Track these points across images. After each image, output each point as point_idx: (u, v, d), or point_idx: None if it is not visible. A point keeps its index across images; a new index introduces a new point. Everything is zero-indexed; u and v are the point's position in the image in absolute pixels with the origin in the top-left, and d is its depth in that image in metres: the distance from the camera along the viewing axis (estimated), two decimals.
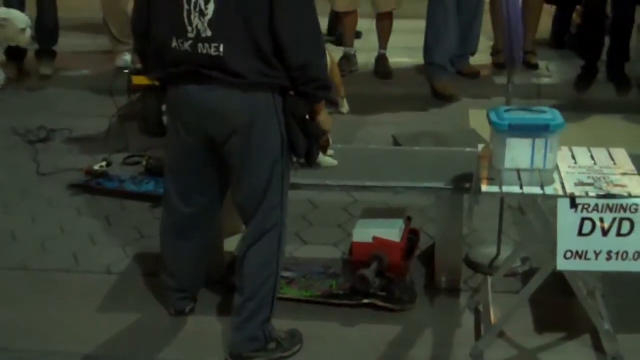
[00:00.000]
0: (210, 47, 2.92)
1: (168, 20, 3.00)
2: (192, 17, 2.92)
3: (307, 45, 2.97)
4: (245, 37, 2.90)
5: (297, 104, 3.03)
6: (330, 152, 3.56)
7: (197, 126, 3.09)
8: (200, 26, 2.91)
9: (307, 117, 3.13)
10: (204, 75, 2.96)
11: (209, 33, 2.91)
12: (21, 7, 6.20)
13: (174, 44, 2.98)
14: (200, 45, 2.93)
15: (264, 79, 2.95)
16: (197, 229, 3.35)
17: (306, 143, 3.11)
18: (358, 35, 6.85)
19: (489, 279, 3.41)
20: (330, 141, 3.47)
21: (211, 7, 2.89)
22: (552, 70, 6.55)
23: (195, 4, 2.91)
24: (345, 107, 5.68)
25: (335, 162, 3.62)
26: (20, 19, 5.53)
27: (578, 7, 6.90)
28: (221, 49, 2.91)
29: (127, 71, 5.43)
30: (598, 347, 3.18)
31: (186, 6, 2.92)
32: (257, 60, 2.93)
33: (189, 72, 2.99)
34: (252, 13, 2.89)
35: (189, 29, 2.93)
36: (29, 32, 5.50)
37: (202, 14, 2.91)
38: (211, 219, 3.40)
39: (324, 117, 3.19)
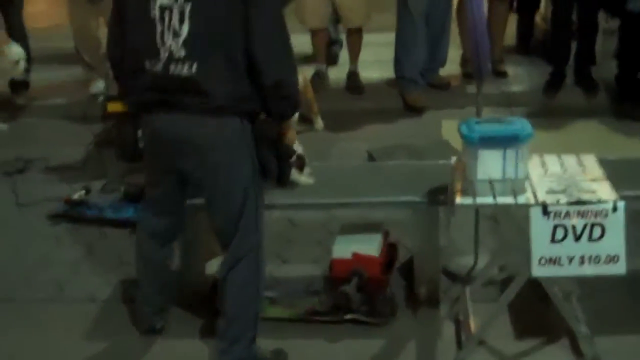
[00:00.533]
0: (182, 67, 2.96)
1: (142, 43, 3.03)
2: (165, 37, 2.96)
3: (280, 63, 3.03)
4: (219, 57, 2.95)
5: (266, 127, 3.09)
6: (306, 170, 3.62)
7: (166, 154, 3.14)
8: (173, 47, 2.95)
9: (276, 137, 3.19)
10: (172, 102, 3.01)
11: (182, 53, 2.95)
12: None
13: (147, 66, 3.02)
14: (172, 66, 2.97)
15: (235, 104, 3.00)
16: (165, 244, 3.43)
17: (277, 165, 3.16)
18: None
19: (468, 289, 3.47)
20: (307, 160, 3.55)
21: (185, 27, 2.94)
22: (521, 77, 6.64)
23: (169, 24, 2.95)
24: (319, 124, 5.75)
25: (311, 181, 3.66)
26: (14, 52, 5.62)
27: (540, 12, 7.03)
28: (194, 68, 2.95)
29: (101, 98, 5.47)
30: (576, 349, 3.25)
31: (159, 27, 2.96)
32: (230, 82, 2.98)
33: (159, 100, 3.04)
34: (226, 33, 2.94)
35: (162, 49, 2.97)
36: (22, 65, 5.59)
37: (175, 34, 2.95)
38: (177, 234, 3.48)
39: (292, 135, 3.28)
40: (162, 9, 2.97)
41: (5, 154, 5.51)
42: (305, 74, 5.54)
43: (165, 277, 3.52)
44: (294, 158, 3.49)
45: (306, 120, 5.64)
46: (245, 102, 3.02)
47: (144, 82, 3.06)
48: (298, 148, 3.62)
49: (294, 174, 3.58)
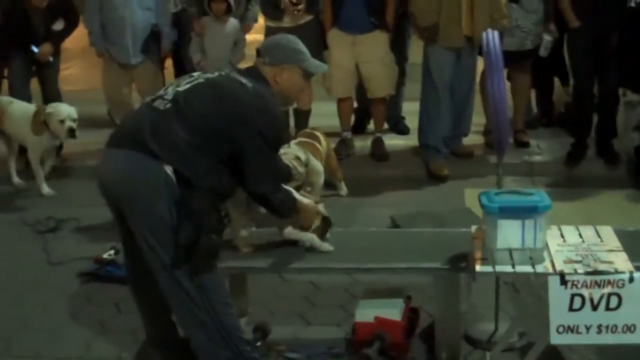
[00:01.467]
0: (162, 103, 3.25)
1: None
2: (170, 87, 3.36)
3: (265, 182, 3.31)
4: (198, 121, 3.20)
5: (191, 197, 3.15)
6: (327, 236, 3.74)
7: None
8: (170, 91, 3.30)
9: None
10: (123, 140, 3.25)
11: (170, 97, 3.26)
12: (29, 101, 6.47)
13: (142, 102, 3.42)
14: (158, 100, 3.28)
15: (176, 156, 3.15)
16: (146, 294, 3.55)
17: (192, 235, 3.13)
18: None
19: (488, 354, 3.52)
20: (331, 225, 3.66)
21: (187, 86, 3.30)
22: (543, 148, 6.75)
23: (180, 80, 3.38)
24: (343, 190, 5.87)
25: (331, 248, 3.74)
26: (62, 111, 5.81)
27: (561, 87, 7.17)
28: (168, 106, 3.23)
29: None
30: None
31: (174, 81, 3.43)
32: (192, 137, 3.16)
33: (118, 135, 3.33)
34: (217, 124, 3.22)
35: (162, 92, 3.33)
36: (67, 124, 5.79)
37: (177, 86, 3.32)
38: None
39: (306, 214, 3.53)
40: (188, 76, 3.44)
41: (37, 213, 5.67)
42: (329, 141, 5.67)
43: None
44: (316, 224, 3.65)
45: (330, 186, 5.75)
46: (186, 163, 3.15)
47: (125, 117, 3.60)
48: (324, 211, 3.74)
49: (315, 240, 3.69)
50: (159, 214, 3.13)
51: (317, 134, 5.83)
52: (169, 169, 3.14)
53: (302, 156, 5.32)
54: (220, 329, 3.23)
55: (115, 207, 3.36)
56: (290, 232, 3.71)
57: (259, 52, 3.48)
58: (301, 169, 5.31)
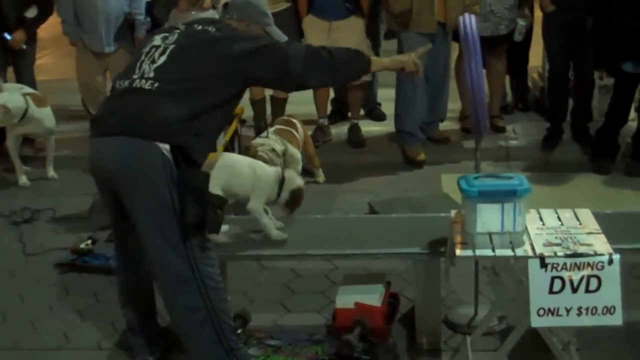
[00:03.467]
0: (145, 82, 3.19)
1: (123, 70, 3.36)
2: (143, 63, 3.25)
3: (293, 67, 3.29)
4: (182, 91, 3.15)
5: (191, 175, 3.13)
6: (278, 224, 3.76)
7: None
8: (146, 69, 3.23)
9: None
10: (113, 127, 3.18)
11: (152, 74, 3.20)
12: None
13: (116, 85, 3.30)
14: (137, 81, 3.21)
15: (171, 133, 3.11)
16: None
17: (199, 212, 3.12)
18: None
19: (468, 339, 3.54)
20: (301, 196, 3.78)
21: (163, 58, 3.23)
22: (519, 133, 6.79)
23: (150, 54, 3.25)
24: (321, 177, 5.87)
25: (284, 236, 3.73)
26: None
27: (537, 69, 7.20)
28: (155, 85, 3.17)
29: None
30: None
31: (142, 57, 3.27)
32: (183, 109, 3.12)
33: (105, 123, 3.25)
34: (199, 78, 3.18)
35: (136, 71, 3.25)
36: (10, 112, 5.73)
37: (152, 61, 3.24)
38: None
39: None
40: (152, 47, 3.30)
41: (12, 204, 5.62)
42: (305, 128, 5.65)
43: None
44: (285, 197, 3.69)
45: (308, 173, 5.74)
46: (181, 136, 3.12)
47: (103, 102, 3.46)
48: (292, 184, 3.76)
49: (269, 229, 3.69)
50: (161, 198, 3.10)
51: (294, 120, 5.82)
52: (165, 149, 3.10)
53: (279, 147, 5.32)
54: (211, 314, 3.20)
55: (110, 192, 3.32)
56: (252, 206, 3.68)
57: (226, 6, 3.56)
58: (278, 161, 5.31)
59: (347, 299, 3.73)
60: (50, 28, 7.49)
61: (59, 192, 5.91)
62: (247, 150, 5.45)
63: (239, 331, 3.73)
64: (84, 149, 6.53)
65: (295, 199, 3.75)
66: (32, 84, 6.69)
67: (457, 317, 3.91)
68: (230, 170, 3.74)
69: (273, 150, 5.30)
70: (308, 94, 6.69)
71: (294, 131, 5.69)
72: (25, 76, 6.66)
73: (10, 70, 6.74)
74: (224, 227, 3.76)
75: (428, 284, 3.68)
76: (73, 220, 5.37)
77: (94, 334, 3.99)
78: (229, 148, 5.80)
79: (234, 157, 3.87)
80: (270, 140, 5.36)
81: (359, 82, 6.45)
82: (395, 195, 5.46)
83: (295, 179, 3.79)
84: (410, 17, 5.92)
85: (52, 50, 9.77)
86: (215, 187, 3.60)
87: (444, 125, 6.73)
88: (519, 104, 7.31)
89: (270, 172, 3.77)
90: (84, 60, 6.76)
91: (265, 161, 5.24)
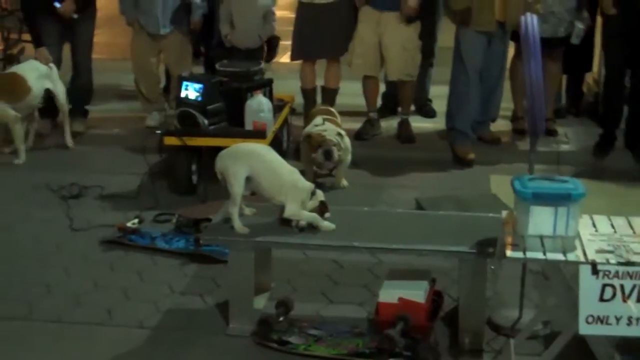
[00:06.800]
0: None
1: None
2: None
3: None
4: None
5: None
6: (327, 215, 3.76)
7: None
8: None
9: None
10: None
11: None
12: (58, 63, 6.47)
13: None
14: None
15: None
16: None
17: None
18: None
19: (512, 341, 3.50)
20: (329, 207, 3.76)
21: None
22: (570, 137, 6.71)
23: None
24: (343, 183, 5.61)
25: (333, 226, 3.74)
26: None
27: (592, 74, 7.10)
28: None
29: (159, 131, 5.63)
30: None
31: None
32: None
33: None
34: None
35: None
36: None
37: None
38: None
39: None
40: None
41: (61, 179, 5.68)
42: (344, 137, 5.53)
43: None
44: (313, 206, 3.70)
45: (355, 165, 5.71)
46: None
47: None
48: (320, 196, 3.78)
49: (317, 219, 3.72)
50: None
51: (333, 110, 5.82)
52: None
53: (342, 131, 5.33)
54: None
55: None
56: (291, 211, 3.71)
57: None
58: (343, 144, 5.31)
59: (391, 293, 3.71)
60: (106, 7, 7.56)
61: (108, 170, 5.96)
62: (308, 138, 5.41)
63: (281, 319, 3.75)
64: (134, 128, 6.78)
65: (323, 208, 3.77)
66: (87, 62, 6.76)
67: (501, 319, 3.86)
68: (267, 164, 3.77)
69: (339, 133, 5.31)
70: (358, 86, 6.69)
71: (338, 121, 5.69)
72: (80, 55, 6.71)
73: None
74: (248, 211, 3.80)
75: (474, 284, 3.64)
76: (120, 199, 5.41)
77: (136, 313, 4.00)
78: (278, 136, 5.81)
79: (276, 157, 3.86)
80: (331, 125, 5.36)
81: (397, 78, 6.44)
82: (442, 192, 5.42)
83: (322, 195, 3.81)
84: (470, 15, 5.86)
85: (107, 29, 9.84)
86: (241, 170, 3.67)
87: (495, 126, 6.67)
88: (572, 108, 7.21)
89: (305, 184, 3.79)
90: (139, 41, 6.81)
91: (335, 144, 5.24)
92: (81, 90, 6.79)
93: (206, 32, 7.06)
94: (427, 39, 6.53)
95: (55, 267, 4.50)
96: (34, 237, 4.87)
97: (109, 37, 9.77)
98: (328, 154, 5.28)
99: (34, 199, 5.45)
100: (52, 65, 6.29)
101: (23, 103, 6.13)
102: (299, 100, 6.70)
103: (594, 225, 3.26)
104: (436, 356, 3.55)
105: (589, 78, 7.34)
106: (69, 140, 6.39)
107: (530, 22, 3.48)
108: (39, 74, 6.19)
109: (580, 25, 6.28)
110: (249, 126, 5.48)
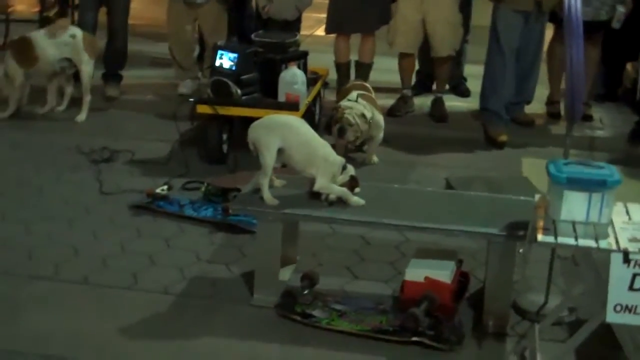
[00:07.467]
0: None
1: None
2: None
3: None
4: None
5: None
6: (357, 190, 3.75)
7: None
8: None
9: None
10: None
11: None
12: (93, 29, 6.47)
13: None
14: None
15: None
16: None
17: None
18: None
19: (537, 326, 3.47)
20: (359, 182, 3.75)
21: None
22: (606, 123, 6.62)
23: None
24: (374, 159, 5.61)
25: (362, 202, 3.73)
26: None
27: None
28: None
29: (191, 99, 5.62)
30: None
31: None
32: None
33: None
34: None
35: None
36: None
37: None
38: None
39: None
40: None
41: (92, 142, 5.71)
42: (376, 109, 5.51)
43: None
44: (344, 181, 3.70)
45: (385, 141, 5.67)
46: None
47: None
48: (351, 171, 3.76)
49: (346, 193, 3.71)
50: None
51: (368, 86, 5.78)
52: None
53: (368, 114, 5.29)
54: None
55: None
56: (322, 184, 3.69)
57: None
58: (364, 127, 5.28)
59: (417, 272, 3.68)
60: None
61: (139, 136, 5.97)
62: (334, 110, 5.42)
63: (305, 292, 3.74)
64: (166, 95, 6.78)
65: (353, 183, 3.76)
66: (123, 27, 6.75)
67: (527, 303, 3.83)
68: (300, 137, 3.75)
69: (362, 115, 5.27)
70: (394, 63, 6.64)
71: (373, 96, 5.65)
72: (116, 19, 6.70)
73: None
74: (278, 182, 3.80)
75: (501, 267, 3.60)
76: (150, 165, 5.42)
77: (162, 278, 4.02)
78: (311, 109, 5.79)
79: (310, 130, 3.83)
80: (360, 105, 5.32)
81: (446, 55, 6.39)
82: (473, 173, 5.38)
83: (353, 169, 3.80)
84: None
85: None
86: (274, 141, 3.66)
87: (530, 108, 6.59)
88: (609, 94, 7.11)
89: (337, 158, 3.77)
90: (175, 8, 6.78)
91: (351, 125, 5.22)
92: (116, 55, 6.79)
93: (239, 2, 7.03)
94: (462, 14, 6.47)
95: (84, 229, 4.53)
96: (64, 199, 4.90)
97: (142, 4, 9.77)
98: (341, 132, 5.28)
99: (65, 161, 5.48)
100: (76, 33, 6.22)
101: (34, 69, 6.17)
102: (333, 74, 6.66)
103: (628, 213, 3.21)
104: (460, 337, 3.53)
105: (628, 65, 7.22)
106: (82, 115, 6.29)
107: (574, 3, 3.42)
108: (54, 42, 6.13)
109: (621, 9, 6.16)
110: (282, 98, 5.46)
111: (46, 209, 4.76)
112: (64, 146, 5.69)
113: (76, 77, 6.40)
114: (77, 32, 6.22)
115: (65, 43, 6.14)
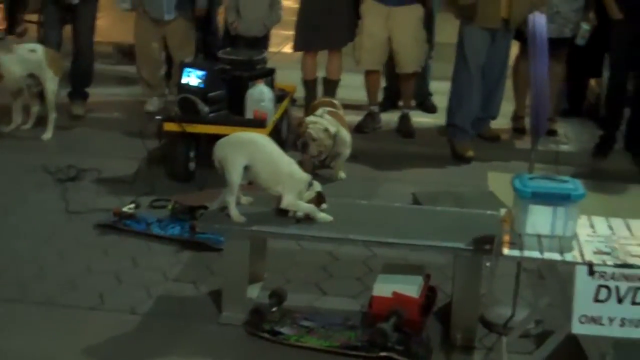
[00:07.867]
0: None
1: None
2: None
3: None
4: None
5: None
6: (323, 206, 3.75)
7: None
8: None
9: None
10: None
11: None
12: (57, 46, 6.44)
13: None
14: None
15: None
16: None
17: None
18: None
19: (504, 339, 3.49)
20: (326, 198, 3.75)
21: None
22: (570, 138, 6.69)
23: None
24: (341, 175, 5.61)
25: (330, 218, 3.74)
26: None
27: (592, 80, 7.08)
28: None
29: (158, 117, 5.61)
30: None
31: None
32: None
33: None
34: None
35: None
36: None
37: None
38: None
39: None
40: None
41: (58, 161, 5.66)
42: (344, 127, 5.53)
43: None
44: (310, 197, 3.70)
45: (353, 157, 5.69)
46: None
47: None
48: (317, 187, 3.77)
49: (314, 210, 3.72)
50: None
51: (336, 102, 5.80)
52: None
53: (332, 129, 5.30)
54: None
55: None
56: (289, 201, 3.70)
57: None
58: (328, 142, 5.30)
59: (385, 287, 3.70)
60: None
61: (106, 154, 5.93)
62: (298, 126, 5.43)
63: (273, 309, 3.73)
64: (133, 113, 6.74)
65: (320, 199, 3.76)
66: (89, 45, 6.71)
67: (494, 316, 3.85)
68: (266, 154, 3.75)
69: (326, 130, 5.28)
70: (360, 79, 6.67)
71: (341, 113, 5.67)
72: (81, 38, 6.66)
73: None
74: (244, 200, 3.80)
75: (468, 281, 3.63)
76: (117, 183, 5.38)
77: (128, 298, 3.99)
78: (278, 126, 5.79)
79: (275, 147, 3.83)
80: (324, 120, 5.34)
81: (412, 71, 6.44)
82: (440, 188, 5.40)
83: (319, 186, 3.81)
84: (475, 11, 5.84)
85: (108, 12, 9.79)
86: (240, 158, 3.65)
87: (495, 124, 6.65)
88: (573, 109, 7.19)
89: (303, 175, 3.78)
90: (143, 25, 6.77)
91: (314, 139, 5.24)
92: (82, 73, 6.74)
93: (205, 19, 7.03)
94: (426, 31, 6.52)
95: (50, 249, 4.49)
96: (29, 219, 4.85)
97: (109, 22, 9.72)
98: (304, 146, 5.31)
99: (30, 180, 5.43)
100: (35, 48, 6.17)
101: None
102: (300, 91, 6.68)
103: (592, 226, 3.25)
104: (428, 351, 3.54)
105: (592, 80, 7.31)
106: (48, 133, 6.22)
107: (539, 21, 3.47)
108: (15, 58, 6.09)
109: (585, 26, 6.24)
110: (249, 115, 5.46)
111: (12, 229, 4.72)
112: (30, 165, 5.64)
113: (42, 96, 6.35)
114: (37, 47, 6.19)
115: (26, 58, 6.10)
